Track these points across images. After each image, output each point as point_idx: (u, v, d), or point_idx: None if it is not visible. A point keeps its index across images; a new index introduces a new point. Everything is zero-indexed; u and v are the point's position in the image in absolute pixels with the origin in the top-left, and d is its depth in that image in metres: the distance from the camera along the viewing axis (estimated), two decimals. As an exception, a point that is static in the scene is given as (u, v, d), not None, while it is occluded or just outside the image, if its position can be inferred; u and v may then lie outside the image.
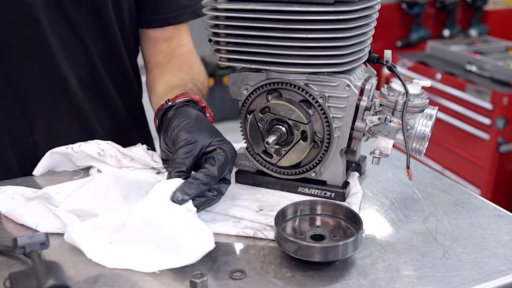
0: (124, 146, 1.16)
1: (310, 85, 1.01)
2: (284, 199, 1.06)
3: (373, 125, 1.01)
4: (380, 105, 1.01)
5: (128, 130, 1.38)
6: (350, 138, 1.05)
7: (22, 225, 0.96)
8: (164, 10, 1.34)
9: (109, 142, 1.14)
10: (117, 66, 1.31)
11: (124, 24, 1.30)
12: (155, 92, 1.29)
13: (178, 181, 0.91)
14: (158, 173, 1.05)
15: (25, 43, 1.15)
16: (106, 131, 1.30)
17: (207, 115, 1.11)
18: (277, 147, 1.05)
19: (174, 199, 0.89)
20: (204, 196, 0.93)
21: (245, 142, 1.11)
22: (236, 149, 1.12)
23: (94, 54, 1.25)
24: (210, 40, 1.07)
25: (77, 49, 1.22)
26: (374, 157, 1.02)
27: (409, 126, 0.99)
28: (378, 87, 1.07)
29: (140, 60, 1.44)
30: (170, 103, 1.08)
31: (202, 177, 0.92)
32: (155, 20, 1.35)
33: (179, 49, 1.37)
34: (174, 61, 1.33)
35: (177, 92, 1.15)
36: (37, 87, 1.19)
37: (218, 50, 1.06)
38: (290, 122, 1.02)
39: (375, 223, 1.00)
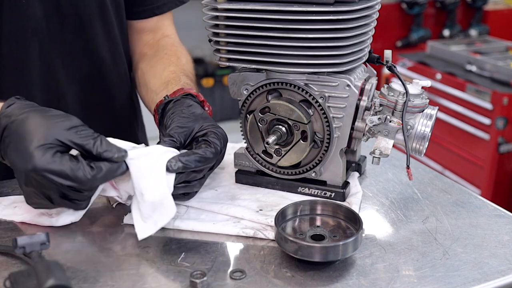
0: None
1: (310, 85, 1.01)
2: (284, 199, 1.06)
3: (373, 125, 1.01)
4: (380, 105, 1.01)
5: (122, 135, 1.37)
6: (350, 138, 1.05)
7: (21, 225, 0.96)
8: (148, 1, 1.34)
9: (109, 138, 1.14)
10: (118, 70, 1.31)
11: (123, 23, 1.30)
12: (149, 88, 1.28)
13: (175, 151, 0.93)
14: None
15: (25, 55, 1.15)
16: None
17: (206, 108, 1.11)
18: (277, 147, 1.05)
19: (167, 165, 0.89)
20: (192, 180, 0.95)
21: (245, 142, 1.11)
22: (236, 149, 1.13)
23: (95, 58, 1.24)
24: (210, 40, 1.07)
25: (77, 55, 1.22)
26: (374, 157, 1.02)
27: (409, 126, 0.99)
28: (378, 87, 1.07)
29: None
30: (169, 98, 1.08)
31: (200, 152, 0.93)
32: (140, 12, 1.36)
33: (164, 40, 1.38)
34: (161, 54, 1.33)
35: (173, 87, 1.15)
36: (36, 98, 1.17)
37: (218, 50, 1.06)
38: (290, 122, 1.02)
39: (375, 223, 1.00)
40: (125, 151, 0.88)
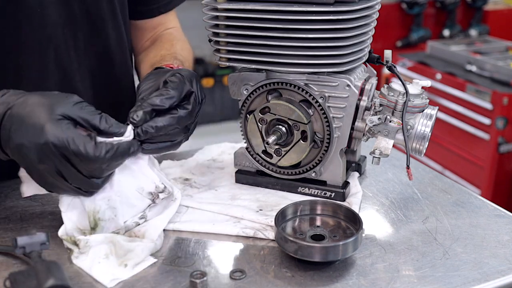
0: None
1: (310, 85, 1.01)
2: (284, 199, 1.06)
3: (373, 125, 1.01)
4: (380, 105, 1.01)
5: None
6: (350, 138, 1.05)
7: (22, 225, 0.96)
8: (153, 1, 1.34)
9: None
10: (127, 70, 1.32)
11: (127, 23, 1.30)
12: (142, 75, 1.29)
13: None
14: (153, 199, 0.98)
15: (42, 64, 1.14)
16: None
17: None
18: (277, 147, 1.05)
19: (130, 119, 0.89)
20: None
21: (245, 142, 1.11)
22: (236, 149, 1.13)
23: (109, 61, 1.24)
24: (210, 40, 1.07)
25: (92, 60, 1.21)
26: (374, 157, 1.02)
27: (409, 126, 0.99)
28: (378, 87, 1.07)
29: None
30: None
31: (152, 100, 0.91)
32: (145, 11, 1.35)
33: (164, 31, 1.38)
34: (157, 42, 1.34)
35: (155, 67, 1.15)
36: None
37: (218, 50, 1.06)
38: (290, 122, 1.02)
39: (375, 223, 1.00)
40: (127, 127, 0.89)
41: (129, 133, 0.89)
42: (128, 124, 0.90)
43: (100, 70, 1.24)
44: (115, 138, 0.88)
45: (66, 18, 1.15)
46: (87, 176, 0.85)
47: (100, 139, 0.86)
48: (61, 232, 0.90)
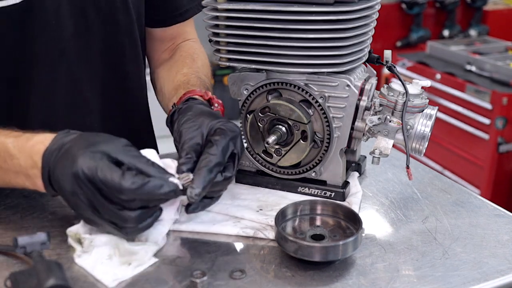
0: None
1: (310, 85, 1.01)
2: (284, 199, 1.06)
3: (373, 125, 1.01)
4: (380, 105, 1.01)
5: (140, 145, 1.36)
6: (350, 138, 1.05)
7: (22, 225, 0.97)
8: (170, 9, 1.32)
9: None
10: (140, 81, 1.31)
11: (142, 32, 1.29)
12: (163, 93, 1.27)
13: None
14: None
15: (52, 76, 1.13)
16: None
17: (216, 105, 1.08)
18: (277, 147, 1.05)
19: (189, 200, 0.86)
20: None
21: (245, 142, 1.11)
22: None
23: (121, 72, 1.24)
24: (210, 40, 1.07)
25: (104, 72, 1.20)
26: (374, 157, 1.02)
27: (409, 126, 1.00)
28: (378, 87, 1.07)
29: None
30: (175, 107, 1.06)
31: (204, 164, 0.89)
32: (162, 20, 1.34)
33: (183, 43, 1.37)
34: (177, 56, 1.32)
35: (181, 91, 1.13)
36: (63, 116, 1.16)
37: (218, 50, 1.06)
38: (290, 122, 1.02)
39: (375, 223, 1.00)
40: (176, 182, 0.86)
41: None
42: (177, 175, 0.88)
43: (113, 81, 1.22)
44: None
45: (81, 30, 1.13)
46: (120, 207, 0.83)
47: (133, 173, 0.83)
48: (70, 229, 0.90)
